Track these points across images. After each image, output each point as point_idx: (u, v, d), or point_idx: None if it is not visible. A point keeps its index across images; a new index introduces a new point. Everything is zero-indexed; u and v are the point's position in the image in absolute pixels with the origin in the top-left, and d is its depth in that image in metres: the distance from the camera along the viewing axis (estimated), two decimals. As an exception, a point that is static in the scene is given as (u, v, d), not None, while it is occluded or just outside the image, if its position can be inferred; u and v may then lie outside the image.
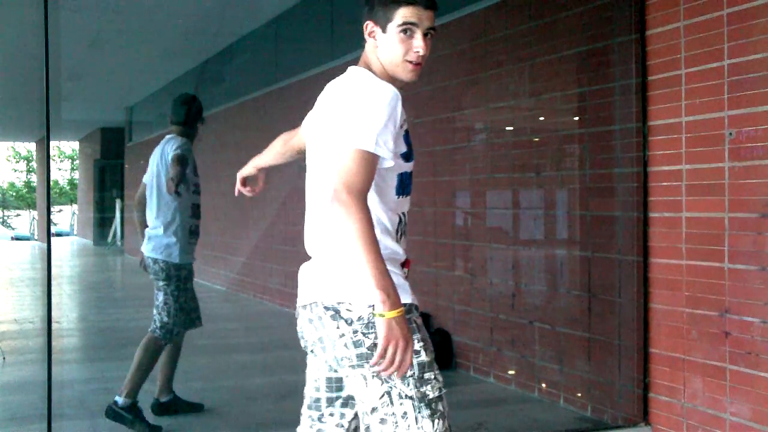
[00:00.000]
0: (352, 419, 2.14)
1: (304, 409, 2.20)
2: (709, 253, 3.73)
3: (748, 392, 3.56)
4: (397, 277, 1.99)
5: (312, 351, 2.12)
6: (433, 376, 1.98)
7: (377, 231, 1.93)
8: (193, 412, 4.46)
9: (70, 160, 23.05)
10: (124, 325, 8.18)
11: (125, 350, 6.74)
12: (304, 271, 2.13)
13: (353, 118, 1.97)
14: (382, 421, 1.95)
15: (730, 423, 3.63)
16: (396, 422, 1.93)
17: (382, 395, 1.94)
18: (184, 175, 4.21)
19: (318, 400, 2.16)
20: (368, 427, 1.98)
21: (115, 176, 14.90)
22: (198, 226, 4.40)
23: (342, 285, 1.98)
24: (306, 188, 2.17)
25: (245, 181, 2.56)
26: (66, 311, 9.04)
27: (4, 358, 6.09)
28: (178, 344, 4.45)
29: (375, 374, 1.93)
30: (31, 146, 25.55)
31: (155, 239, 4.31)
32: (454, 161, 5.83)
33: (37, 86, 3.45)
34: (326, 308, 2.00)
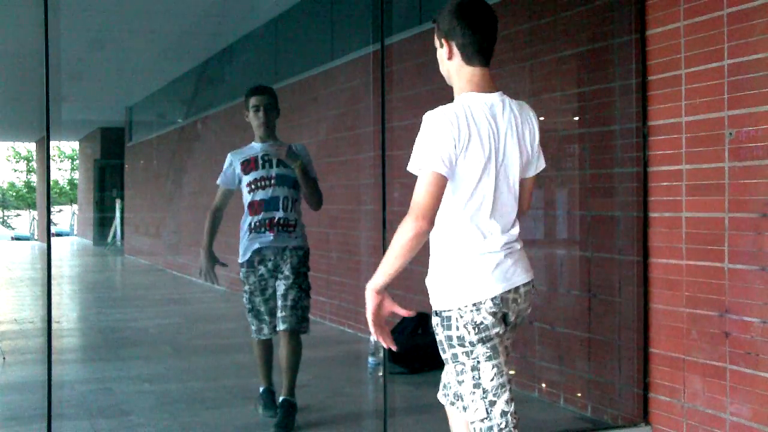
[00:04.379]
0: None
1: (508, 397, 2.43)
2: (709, 253, 3.73)
3: (748, 392, 3.56)
4: None
5: (497, 332, 2.42)
6: None
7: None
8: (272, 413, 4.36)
9: (70, 160, 23.04)
10: (124, 325, 8.20)
11: (125, 350, 6.77)
12: (514, 259, 2.45)
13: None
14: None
15: (730, 423, 3.63)
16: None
17: None
18: None
19: (507, 380, 2.45)
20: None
21: (115, 176, 14.90)
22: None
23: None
24: (491, 191, 2.40)
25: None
26: (66, 311, 9.04)
27: (4, 358, 6.10)
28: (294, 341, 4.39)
29: None
30: (31, 146, 25.53)
31: None
32: (454, 161, 5.81)
33: (37, 86, 3.45)
34: (532, 284, 2.53)
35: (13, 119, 15.54)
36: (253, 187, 4.32)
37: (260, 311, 4.36)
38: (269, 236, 4.29)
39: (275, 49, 8.88)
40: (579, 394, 4.62)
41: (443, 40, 2.46)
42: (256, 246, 4.31)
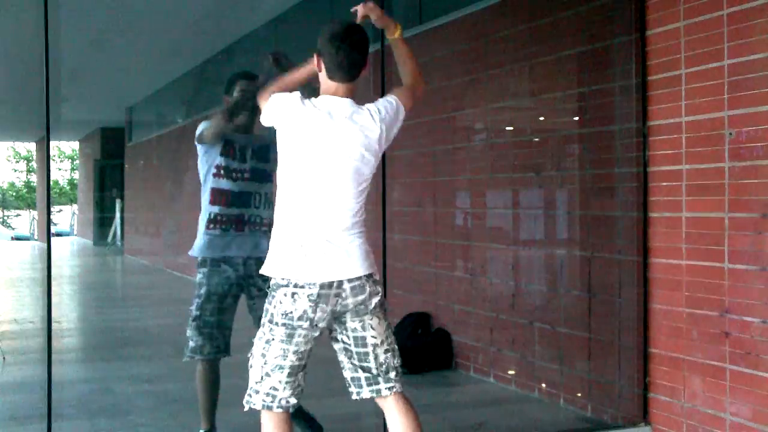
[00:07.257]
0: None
1: (282, 378, 2.78)
2: (709, 253, 3.73)
3: (748, 392, 3.56)
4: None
5: (317, 322, 2.72)
6: None
7: None
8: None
9: (70, 160, 23.07)
10: (124, 325, 8.19)
11: (125, 350, 6.77)
12: (337, 252, 2.68)
13: None
14: (383, 342, 2.83)
15: (730, 423, 3.63)
16: (391, 340, 2.87)
17: (386, 327, 2.84)
18: None
19: (301, 366, 2.81)
20: (377, 352, 2.83)
21: (115, 176, 14.91)
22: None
23: (371, 261, 2.76)
24: (320, 186, 2.69)
25: None
26: (66, 311, 9.04)
27: (4, 358, 6.09)
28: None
29: (383, 315, 2.83)
30: (31, 146, 25.56)
31: None
32: (454, 161, 5.83)
33: (37, 86, 3.45)
34: (368, 277, 2.74)
35: (13, 119, 15.54)
36: (222, 173, 3.62)
37: (209, 322, 3.65)
38: (240, 235, 3.65)
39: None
40: (579, 394, 4.62)
41: (316, 55, 2.86)
42: (229, 248, 3.64)
